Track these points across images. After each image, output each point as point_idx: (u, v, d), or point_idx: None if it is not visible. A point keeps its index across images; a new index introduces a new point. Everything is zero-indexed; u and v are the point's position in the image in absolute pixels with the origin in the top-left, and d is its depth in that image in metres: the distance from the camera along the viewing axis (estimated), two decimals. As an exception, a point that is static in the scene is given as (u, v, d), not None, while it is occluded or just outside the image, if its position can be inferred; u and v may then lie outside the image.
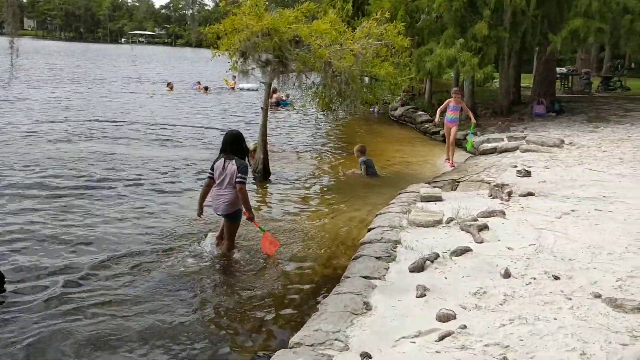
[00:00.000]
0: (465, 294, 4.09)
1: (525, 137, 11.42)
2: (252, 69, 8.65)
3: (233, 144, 5.82)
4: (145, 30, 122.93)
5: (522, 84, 18.87)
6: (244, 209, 5.80)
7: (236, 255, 5.86)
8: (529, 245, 5.09)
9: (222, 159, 5.77)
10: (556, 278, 4.27)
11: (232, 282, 5.39)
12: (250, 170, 6.45)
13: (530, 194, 7.03)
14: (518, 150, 10.71)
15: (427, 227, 5.87)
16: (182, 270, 5.47)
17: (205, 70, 37.32)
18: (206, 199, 5.96)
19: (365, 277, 4.47)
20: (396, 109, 20.01)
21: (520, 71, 18.42)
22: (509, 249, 5.04)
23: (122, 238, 6.29)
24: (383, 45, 8.55)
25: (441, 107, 11.15)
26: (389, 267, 4.74)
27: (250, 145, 10.88)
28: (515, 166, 9.07)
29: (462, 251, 4.91)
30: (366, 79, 9.41)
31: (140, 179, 8.99)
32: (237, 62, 8.39)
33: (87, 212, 7.16)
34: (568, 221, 5.84)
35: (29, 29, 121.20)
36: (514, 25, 12.90)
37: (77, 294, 4.90)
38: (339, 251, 6.14)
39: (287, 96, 20.34)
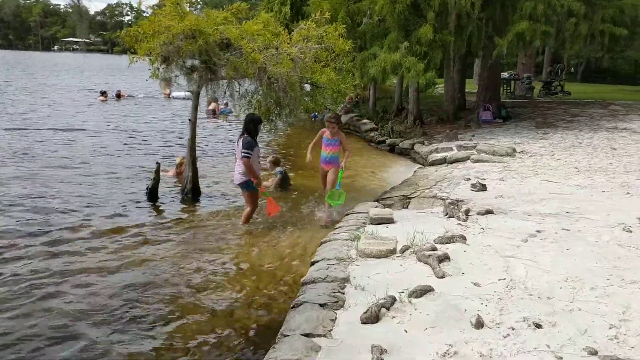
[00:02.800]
0: (432, 355, 3.26)
1: (476, 146, 10.82)
2: (176, 76, 7.58)
3: (247, 125, 7.01)
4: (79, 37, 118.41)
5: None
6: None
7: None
8: (498, 280, 4.33)
9: (239, 138, 7.02)
10: (538, 326, 3.52)
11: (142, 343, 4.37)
12: (250, 146, 6.91)
13: (489, 211, 6.36)
14: (469, 161, 10.10)
15: (379, 257, 5.03)
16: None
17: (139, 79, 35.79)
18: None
19: (307, 335, 3.56)
20: (340, 117, 19.30)
21: (465, 76, 18.09)
22: (475, 285, 4.26)
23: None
24: (323, 49, 7.70)
25: (314, 140, 8.20)
26: (336, 318, 3.85)
27: (177, 159, 9.83)
28: (469, 179, 8.42)
29: (423, 291, 4.08)
30: (307, 86, 8.54)
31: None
32: (158, 68, 7.32)
33: None
34: (535, 245, 5.15)
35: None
36: (459, 29, 12.38)
37: None
38: (277, 293, 5.18)
39: (226, 104, 19.26)
